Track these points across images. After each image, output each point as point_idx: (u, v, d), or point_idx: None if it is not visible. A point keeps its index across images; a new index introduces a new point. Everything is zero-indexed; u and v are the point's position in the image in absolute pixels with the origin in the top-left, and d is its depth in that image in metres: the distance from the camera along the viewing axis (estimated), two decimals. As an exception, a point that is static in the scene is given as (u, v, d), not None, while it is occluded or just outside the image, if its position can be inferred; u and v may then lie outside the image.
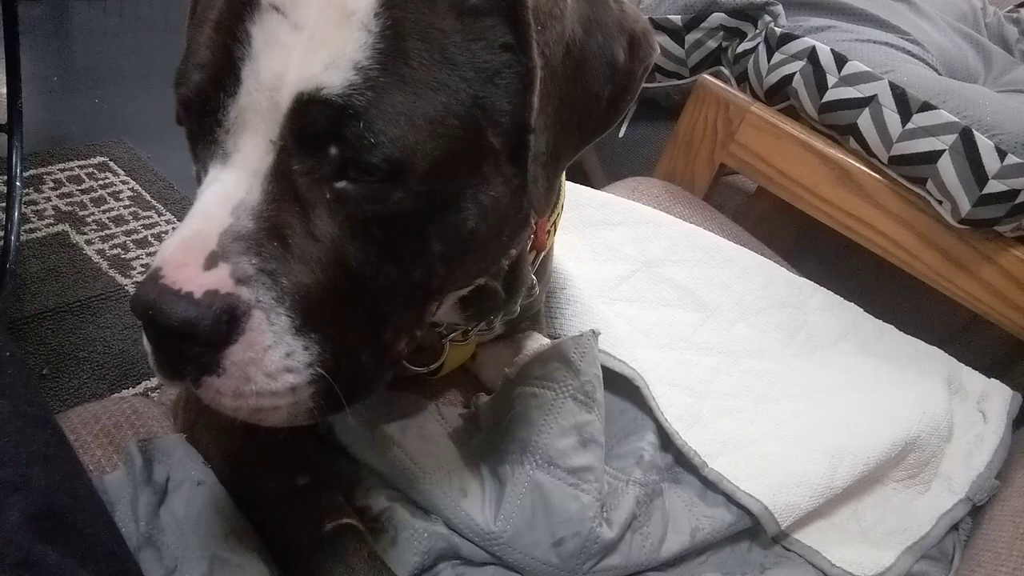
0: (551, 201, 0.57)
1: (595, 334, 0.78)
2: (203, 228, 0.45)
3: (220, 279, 0.44)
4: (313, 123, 0.45)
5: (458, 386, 0.82)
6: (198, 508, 0.60)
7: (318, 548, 0.59)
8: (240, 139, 0.46)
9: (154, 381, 1.44)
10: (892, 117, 1.10)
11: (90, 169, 1.97)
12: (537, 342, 0.83)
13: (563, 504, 0.67)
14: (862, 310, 1.15)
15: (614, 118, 0.56)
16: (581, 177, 1.47)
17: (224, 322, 0.44)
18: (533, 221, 0.62)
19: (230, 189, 0.46)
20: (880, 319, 1.15)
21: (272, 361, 0.46)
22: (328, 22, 0.44)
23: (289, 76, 0.44)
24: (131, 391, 1.44)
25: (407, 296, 0.52)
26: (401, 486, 0.69)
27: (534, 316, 0.86)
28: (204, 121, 0.47)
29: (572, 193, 1.11)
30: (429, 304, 0.56)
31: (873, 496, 0.89)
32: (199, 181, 0.50)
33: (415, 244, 0.50)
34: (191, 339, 0.44)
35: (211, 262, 0.44)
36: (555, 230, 0.77)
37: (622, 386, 0.85)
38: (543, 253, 0.75)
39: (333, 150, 0.45)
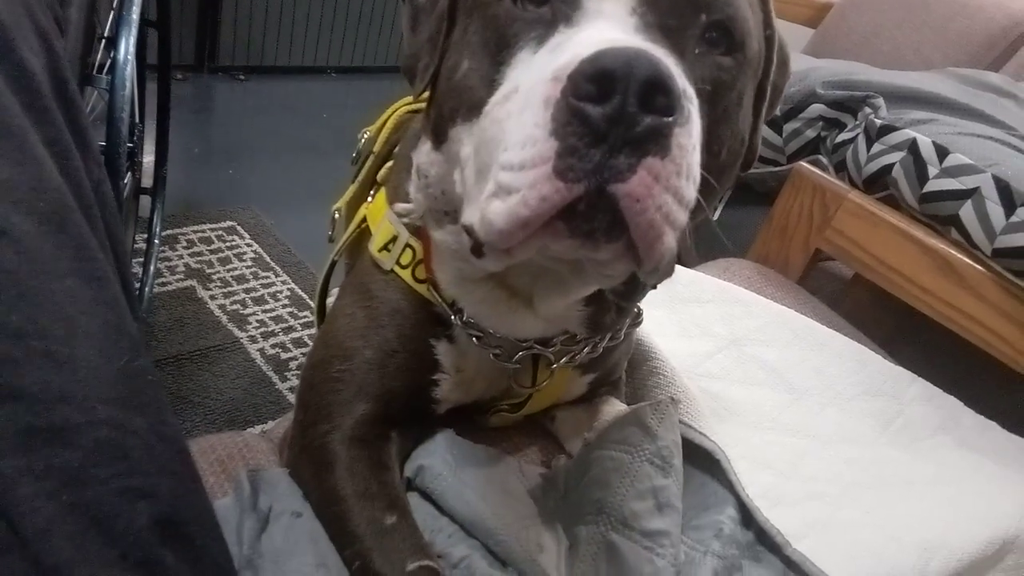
0: (754, 158, 0.64)
1: (674, 401, 0.79)
2: (630, 40, 0.47)
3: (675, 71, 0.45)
4: None
5: (538, 444, 0.85)
6: (295, 539, 0.65)
7: None
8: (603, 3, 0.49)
9: (257, 429, 1.53)
10: (996, 210, 1.09)
11: (219, 231, 2.16)
12: (615, 407, 0.86)
13: (638, 566, 0.68)
14: (963, 404, 1.11)
15: (760, 122, 0.65)
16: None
17: (679, 98, 0.43)
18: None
19: (608, 34, 0.47)
20: (982, 414, 1.10)
21: (692, 164, 0.45)
22: None
23: None
24: (237, 437, 1.53)
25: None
26: (480, 536, 0.71)
27: (615, 383, 0.89)
28: None
29: (663, 270, 1.14)
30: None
31: (969, 597, 0.85)
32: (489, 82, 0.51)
33: (716, 130, 0.54)
34: (659, 94, 0.42)
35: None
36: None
37: (703, 460, 0.85)
38: None
39: (700, 16, 0.51)
